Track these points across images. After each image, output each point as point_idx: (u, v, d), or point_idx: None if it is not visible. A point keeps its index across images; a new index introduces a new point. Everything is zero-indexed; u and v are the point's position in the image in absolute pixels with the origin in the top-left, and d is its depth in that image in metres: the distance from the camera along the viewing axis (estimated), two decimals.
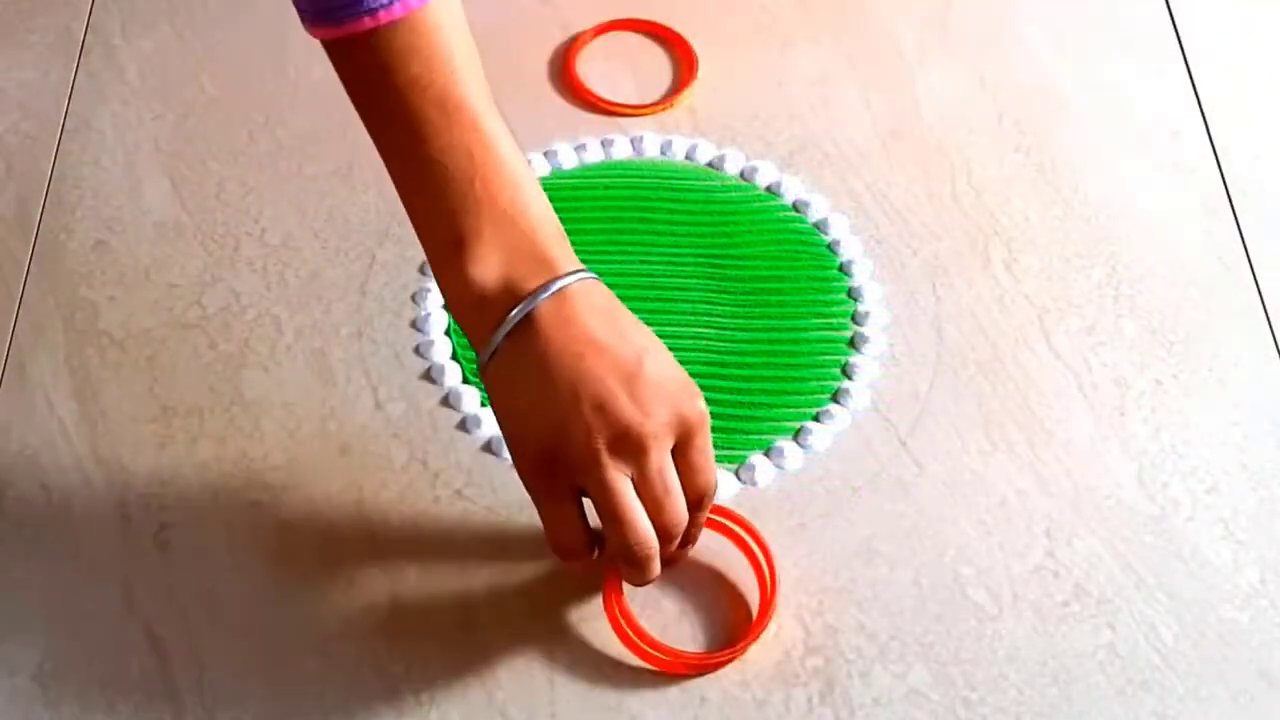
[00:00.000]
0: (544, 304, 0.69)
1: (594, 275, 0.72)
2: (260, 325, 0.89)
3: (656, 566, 0.72)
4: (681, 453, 0.71)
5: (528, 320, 0.69)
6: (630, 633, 0.75)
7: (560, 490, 0.71)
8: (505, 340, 0.69)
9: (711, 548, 0.79)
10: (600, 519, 0.71)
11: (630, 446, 0.69)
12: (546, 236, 0.71)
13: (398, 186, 0.72)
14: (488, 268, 0.70)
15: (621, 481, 0.69)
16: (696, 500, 0.73)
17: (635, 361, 0.69)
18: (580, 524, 0.72)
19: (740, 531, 0.79)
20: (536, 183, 0.72)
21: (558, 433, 0.69)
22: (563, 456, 0.69)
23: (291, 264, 0.91)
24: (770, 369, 0.87)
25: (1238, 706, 0.75)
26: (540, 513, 0.72)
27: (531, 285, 0.70)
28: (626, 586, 0.76)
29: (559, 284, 0.70)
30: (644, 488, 0.70)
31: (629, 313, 0.72)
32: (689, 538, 0.75)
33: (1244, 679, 0.76)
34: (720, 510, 0.79)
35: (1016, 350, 0.88)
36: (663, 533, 0.71)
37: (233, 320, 0.88)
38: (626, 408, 0.69)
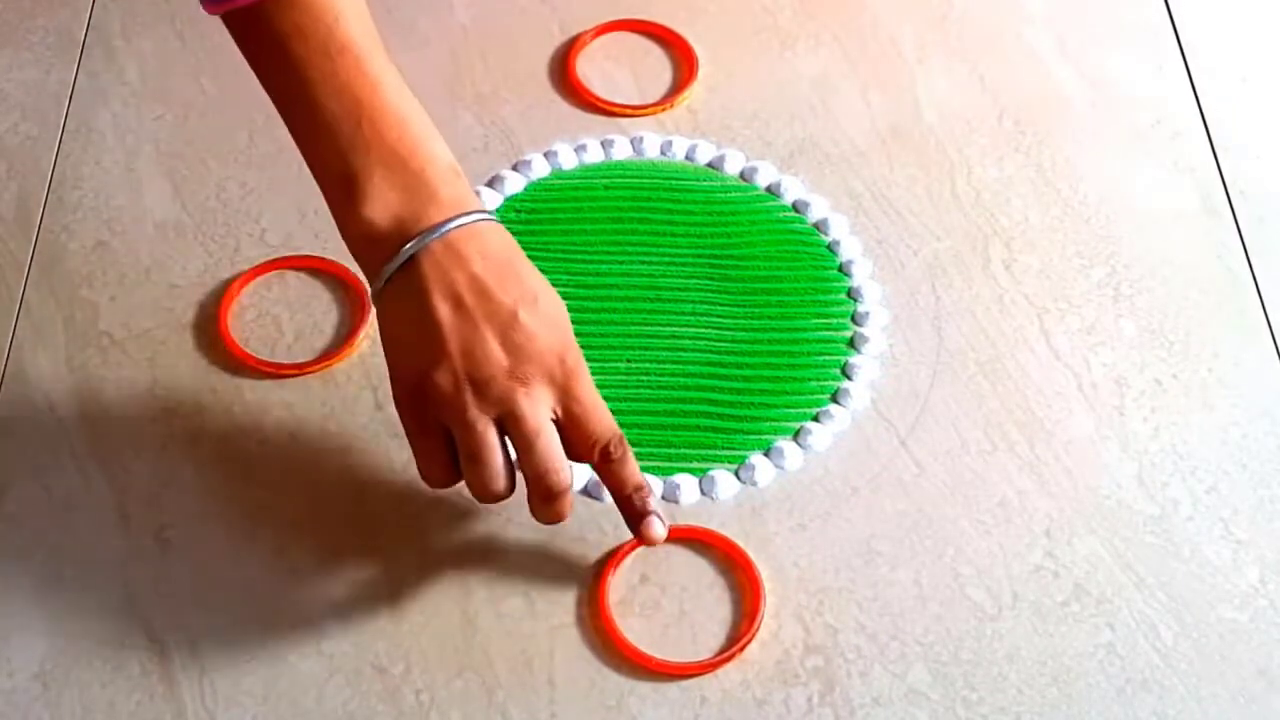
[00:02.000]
0: (432, 244, 0.72)
1: (491, 216, 0.75)
2: (261, 325, 0.89)
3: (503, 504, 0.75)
4: (562, 406, 0.74)
5: (414, 259, 0.72)
6: None
7: (427, 425, 0.74)
8: (393, 276, 0.73)
9: (709, 554, 0.80)
10: (459, 457, 0.74)
11: (495, 392, 0.72)
12: (437, 175, 0.73)
13: (293, 135, 0.75)
14: (379, 206, 0.73)
15: (481, 423, 0.72)
16: (589, 450, 0.75)
17: (510, 310, 0.72)
18: (445, 457, 0.75)
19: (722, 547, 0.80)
20: (428, 122, 0.75)
21: (427, 371, 0.72)
22: (430, 394, 0.73)
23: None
24: (770, 369, 0.87)
25: (1238, 706, 0.75)
26: (410, 443, 0.76)
27: (421, 225, 0.73)
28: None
29: (449, 226, 0.73)
30: (511, 434, 0.73)
31: (522, 260, 0.75)
32: (631, 505, 0.76)
33: (1244, 679, 0.76)
34: (698, 531, 0.80)
35: (1016, 350, 0.88)
36: (534, 478, 0.74)
37: (233, 320, 0.88)
38: (494, 354, 0.72)
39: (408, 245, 0.72)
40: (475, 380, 0.72)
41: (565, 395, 0.74)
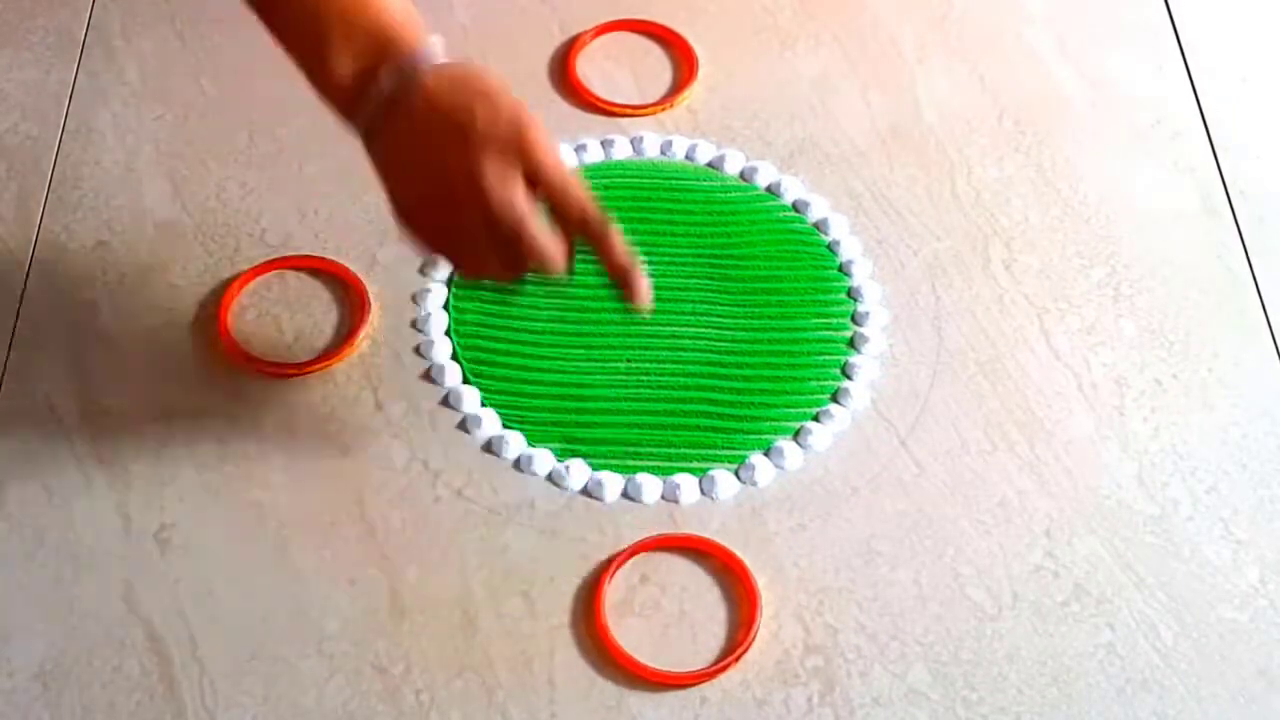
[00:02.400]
0: (402, 80, 0.75)
1: (441, 50, 0.77)
2: (261, 325, 0.89)
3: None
4: (534, 176, 0.75)
5: (391, 97, 0.75)
6: None
7: (456, 224, 0.76)
8: (376, 119, 0.76)
9: (706, 563, 0.80)
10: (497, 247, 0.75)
11: (504, 161, 0.74)
12: (390, 24, 0.77)
13: (269, 26, 0.78)
14: (343, 61, 0.76)
15: (509, 187, 0.74)
16: (579, 218, 0.76)
17: (466, 105, 0.75)
18: (486, 250, 0.76)
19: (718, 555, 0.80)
20: None
21: (440, 171, 0.75)
22: (450, 193, 0.75)
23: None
24: (770, 369, 0.87)
25: (1238, 706, 0.75)
26: (448, 258, 0.79)
27: (386, 68, 0.76)
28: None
29: (410, 64, 0.76)
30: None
31: (476, 76, 0.77)
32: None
33: (1244, 679, 0.76)
34: (695, 540, 0.80)
35: (1016, 350, 0.88)
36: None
37: (233, 320, 0.88)
38: (492, 165, 0.74)
39: (380, 85, 0.75)
40: (480, 165, 0.74)
41: (532, 166, 0.75)
